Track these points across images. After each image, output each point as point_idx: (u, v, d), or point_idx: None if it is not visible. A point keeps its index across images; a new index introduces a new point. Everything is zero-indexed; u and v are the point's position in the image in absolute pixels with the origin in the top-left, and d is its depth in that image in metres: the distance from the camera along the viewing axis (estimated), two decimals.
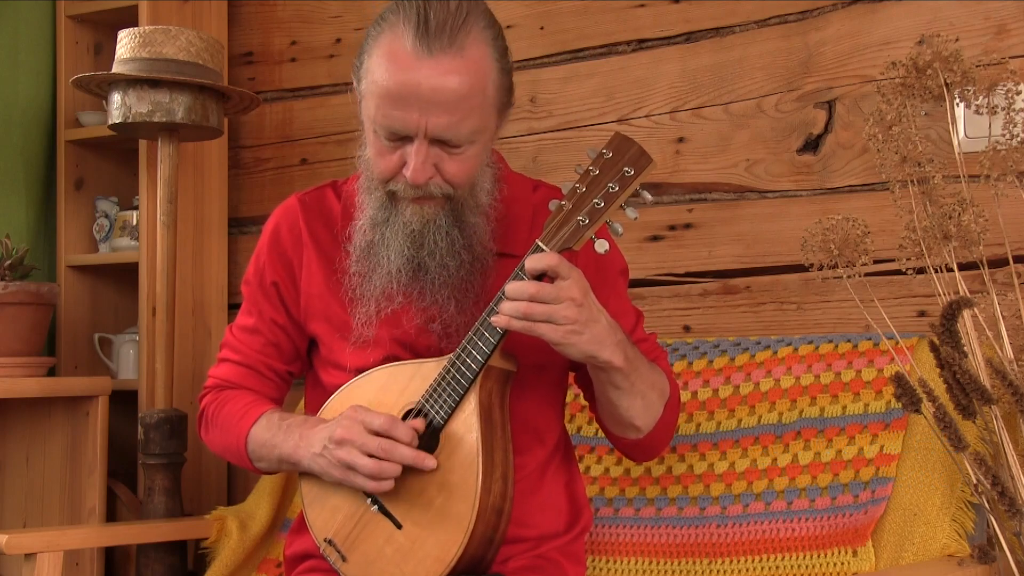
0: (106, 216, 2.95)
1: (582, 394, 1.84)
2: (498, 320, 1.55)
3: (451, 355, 1.63)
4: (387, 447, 1.59)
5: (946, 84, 1.91)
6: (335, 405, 1.73)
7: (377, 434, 1.60)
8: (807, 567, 1.86)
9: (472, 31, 1.59)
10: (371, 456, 1.60)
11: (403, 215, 1.66)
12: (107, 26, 2.95)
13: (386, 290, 1.69)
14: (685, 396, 2.08)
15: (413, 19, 1.57)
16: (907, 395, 1.71)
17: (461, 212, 1.66)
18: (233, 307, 2.92)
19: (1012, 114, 1.85)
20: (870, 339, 2.01)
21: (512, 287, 1.54)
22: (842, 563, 1.82)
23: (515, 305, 1.54)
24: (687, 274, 2.42)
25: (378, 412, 1.63)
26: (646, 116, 2.47)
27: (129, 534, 2.47)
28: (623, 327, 1.65)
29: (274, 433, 1.73)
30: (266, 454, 1.75)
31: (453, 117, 1.58)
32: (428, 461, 1.60)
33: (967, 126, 2.05)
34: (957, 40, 1.98)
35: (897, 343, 1.91)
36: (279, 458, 1.73)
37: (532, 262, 1.54)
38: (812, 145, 2.29)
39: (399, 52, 1.58)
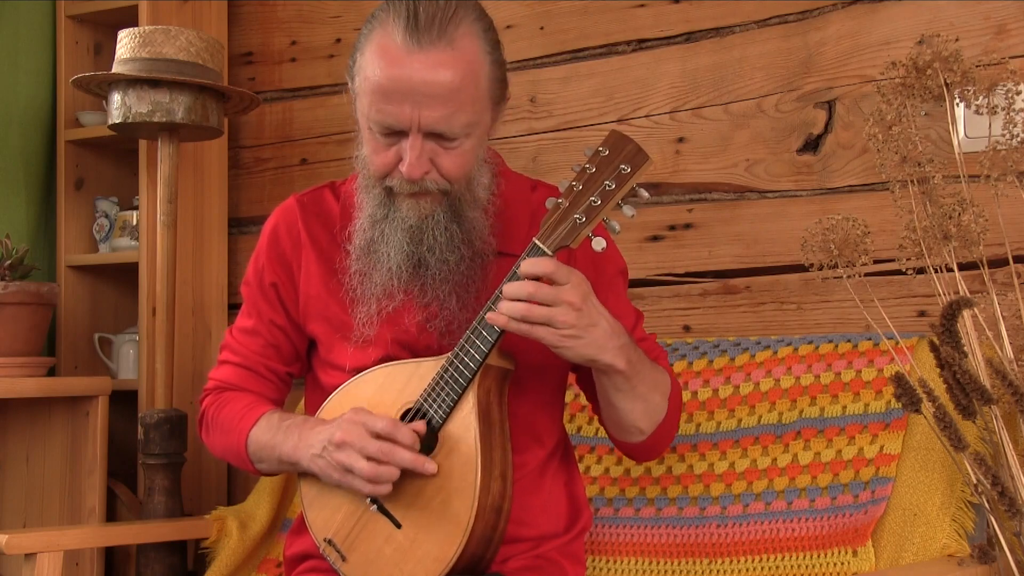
0: (106, 216, 2.95)
1: (583, 395, 1.84)
2: (496, 319, 1.54)
3: (449, 354, 1.63)
4: (387, 450, 1.59)
5: (946, 84, 1.90)
6: (333, 405, 1.72)
7: (379, 437, 1.60)
8: (807, 567, 1.85)
9: (462, 24, 1.59)
10: (370, 459, 1.59)
11: (401, 211, 1.66)
12: (107, 26, 2.96)
13: (387, 288, 1.69)
14: (685, 396, 2.08)
15: (403, 15, 1.58)
16: (907, 395, 1.70)
17: (459, 207, 1.67)
18: (233, 307, 2.92)
19: (1012, 114, 1.85)
20: (870, 339, 2.01)
21: (509, 287, 1.54)
22: (842, 563, 1.82)
23: (513, 306, 1.53)
24: (687, 274, 2.42)
25: (380, 415, 1.62)
26: (646, 116, 2.47)
27: (129, 534, 2.46)
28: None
29: (274, 434, 1.73)
30: (266, 455, 1.75)
31: (446, 110, 1.58)
32: (428, 465, 1.59)
33: (967, 126, 2.05)
34: (957, 40, 1.98)
35: (897, 343, 1.91)
36: (279, 458, 1.73)
37: (527, 266, 1.54)
38: (812, 145, 2.29)
39: (389, 47, 1.58)
